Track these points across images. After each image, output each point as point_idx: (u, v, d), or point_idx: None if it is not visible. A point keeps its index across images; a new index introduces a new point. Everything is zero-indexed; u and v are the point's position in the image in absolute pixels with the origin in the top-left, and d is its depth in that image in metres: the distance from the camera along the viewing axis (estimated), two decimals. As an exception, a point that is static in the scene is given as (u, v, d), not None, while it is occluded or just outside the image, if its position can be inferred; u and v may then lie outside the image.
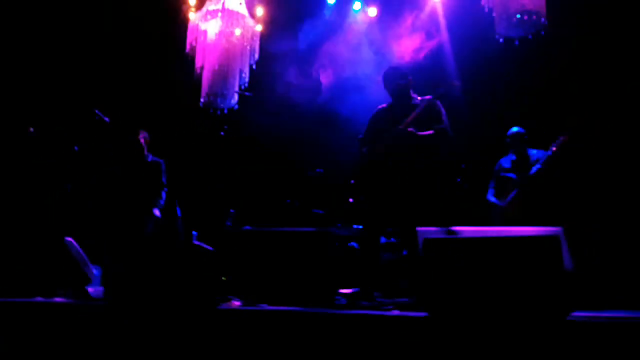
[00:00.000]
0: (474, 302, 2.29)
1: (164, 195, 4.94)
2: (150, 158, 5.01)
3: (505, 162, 4.78)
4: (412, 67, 5.17)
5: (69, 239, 3.99)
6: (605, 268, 4.44)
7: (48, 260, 4.12)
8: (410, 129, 3.68)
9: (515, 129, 4.73)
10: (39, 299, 3.76)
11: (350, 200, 5.25)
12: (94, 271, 4.01)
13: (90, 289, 3.83)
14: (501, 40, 4.32)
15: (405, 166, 3.70)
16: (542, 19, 4.03)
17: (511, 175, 4.67)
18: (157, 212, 4.85)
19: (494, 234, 2.54)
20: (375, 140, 3.89)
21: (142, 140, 4.98)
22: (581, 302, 2.54)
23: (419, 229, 2.81)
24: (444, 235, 2.67)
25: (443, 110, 3.80)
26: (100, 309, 3.17)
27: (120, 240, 4.61)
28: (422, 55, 5.73)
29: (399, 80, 3.90)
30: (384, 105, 4.05)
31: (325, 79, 6.37)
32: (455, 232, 3.06)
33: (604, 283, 3.99)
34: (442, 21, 5.72)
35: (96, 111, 4.72)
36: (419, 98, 3.88)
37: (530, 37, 4.18)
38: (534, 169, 4.48)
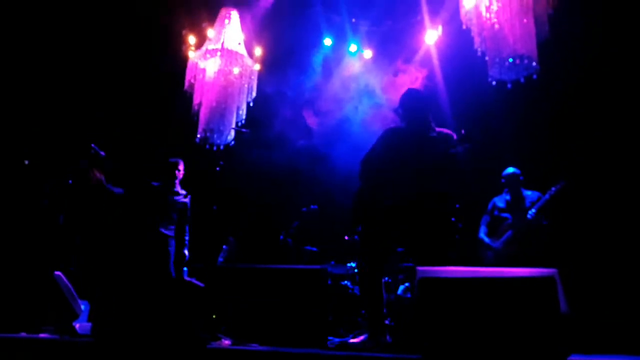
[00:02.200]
0: (469, 344, 2.25)
1: (187, 230, 4.96)
2: (180, 191, 5.02)
3: (500, 201, 4.80)
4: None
5: (58, 273, 3.91)
6: (600, 311, 4.40)
7: (34, 294, 4.03)
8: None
9: (510, 169, 4.78)
10: (24, 334, 3.65)
11: (346, 237, 5.14)
12: (82, 306, 3.92)
13: (77, 325, 3.74)
14: (494, 83, 4.38)
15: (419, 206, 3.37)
16: (534, 63, 4.11)
17: (506, 215, 4.68)
18: (187, 252, 4.87)
19: (490, 275, 2.52)
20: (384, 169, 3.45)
21: (180, 170, 5.00)
22: (578, 345, 2.50)
23: (418, 268, 2.75)
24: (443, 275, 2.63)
25: (460, 157, 3.36)
26: (87, 346, 3.07)
27: (110, 275, 4.55)
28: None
29: (419, 106, 3.48)
30: (393, 127, 3.62)
31: (311, 120, 6.45)
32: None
33: (600, 326, 3.94)
34: (436, 64, 5.85)
35: (92, 145, 4.73)
36: (437, 129, 3.48)
37: (522, 80, 4.25)
38: (531, 213, 4.49)
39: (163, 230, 4.82)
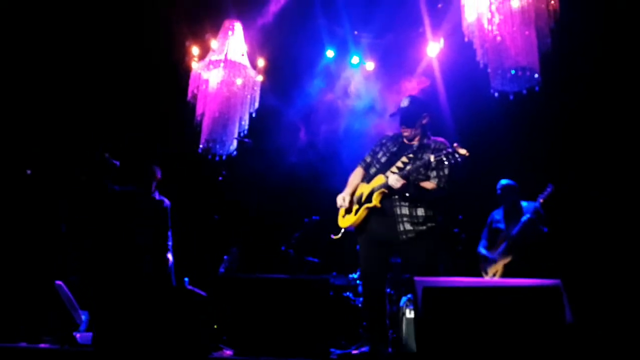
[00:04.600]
0: (473, 353, 2.23)
1: (170, 236, 4.87)
2: (157, 196, 4.94)
3: (498, 213, 4.80)
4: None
5: (59, 282, 3.90)
6: (599, 322, 4.38)
7: (35, 303, 4.00)
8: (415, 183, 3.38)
9: (504, 181, 4.78)
10: (24, 344, 3.62)
11: (332, 236, 5.01)
12: (82, 316, 3.90)
13: (77, 335, 3.71)
14: (496, 94, 4.40)
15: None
16: (536, 75, 4.12)
17: (502, 227, 4.66)
18: (170, 256, 4.77)
19: (494, 284, 2.51)
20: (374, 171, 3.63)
21: (157, 174, 4.91)
22: (581, 355, 2.47)
23: (416, 278, 2.75)
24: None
25: (448, 164, 3.35)
26: (87, 355, 3.05)
27: (110, 284, 4.51)
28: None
29: (415, 113, 3.56)
30: (390, 133, 3.80)
31: (313, 130, 6.46)
32: None
33: (600, 337, 3.91)
34: (438, 75, 5.88)
35: (106, 156, 4.69)
36: (432, 138, 3.62)
37: (524, 92, 4.26)
38: (522, 220, 4.48)
39: (140, 238, 4.69)
